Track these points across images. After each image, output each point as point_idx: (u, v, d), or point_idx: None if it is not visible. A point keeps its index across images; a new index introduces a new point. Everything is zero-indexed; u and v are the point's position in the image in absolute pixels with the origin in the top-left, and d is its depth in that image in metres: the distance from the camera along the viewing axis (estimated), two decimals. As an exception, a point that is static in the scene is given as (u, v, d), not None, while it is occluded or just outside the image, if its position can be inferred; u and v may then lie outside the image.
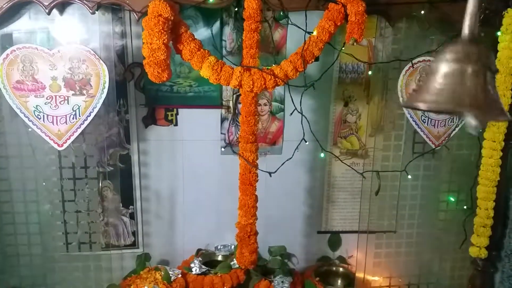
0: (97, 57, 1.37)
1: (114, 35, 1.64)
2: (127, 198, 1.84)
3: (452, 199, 1.75)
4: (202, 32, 1.70)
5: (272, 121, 1.86)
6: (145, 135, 1.81)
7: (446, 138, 1.60)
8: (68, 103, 1.39)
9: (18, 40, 1.40)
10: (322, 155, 1.73)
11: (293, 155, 1.43)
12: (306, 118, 1.46)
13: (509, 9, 1.41)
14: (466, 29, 0.41)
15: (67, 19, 1.39)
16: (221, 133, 1.84)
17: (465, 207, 1.65)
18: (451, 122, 1.58)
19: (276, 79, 1.36)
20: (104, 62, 1.38)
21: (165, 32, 1.23)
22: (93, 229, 1.78)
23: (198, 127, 1.83)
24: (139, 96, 1.76)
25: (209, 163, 1.87)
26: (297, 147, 1.43)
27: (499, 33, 1.43)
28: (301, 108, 1.41)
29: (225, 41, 1.74)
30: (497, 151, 1.50)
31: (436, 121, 1.58)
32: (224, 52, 1.74)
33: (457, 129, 1.60)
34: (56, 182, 1.70)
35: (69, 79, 1.38)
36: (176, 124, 1.82)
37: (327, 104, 1.88)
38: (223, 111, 1.82)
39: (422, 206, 1.82)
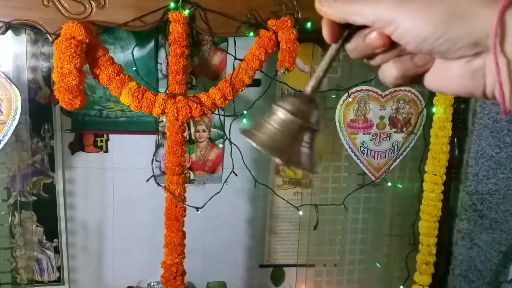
0: (8, 81, 1.24)
1: (40, 56, 1.53)
2: (52, 231, 1.68)
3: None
4: (135, 55, 1.59)
5: (211, 148, 1.76)
6: (72, 162, 1.67)
7: (387, 170, 1.54)
8: (-27, 132, 1.25)
9: None
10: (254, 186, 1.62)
11: (221, 188, 1.34)
12: (237, 146, 1.37)
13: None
14: (308, 88, 0.44)
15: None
16: (156, 161, 1.72)
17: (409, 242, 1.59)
18: (391, 153, 1.53)
19: (203, 107, 1.26)
20: (16, 86, 1.25)
21: (77, 56, 1.12)
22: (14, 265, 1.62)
23: (131, 154, 1.71)
24: (65, 120, 1.63)
25: (143, 193, 1.74)
26: (225, 180, 1.34)
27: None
28: (230, 137, 1.33)
29: (161, 64, 1.64)
30: (438, 185, 1.44)
31: (376, 152, 1.52)
32: (160, 75, 1.64)
33: (398, 160, 1.54)
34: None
35: (-25, 105, 1.25)
36: (106, 151, 1.69)
37: (269, 131, 1.80)
38: (159, 137, 1.71)
39: (363, 240, 1.75)
